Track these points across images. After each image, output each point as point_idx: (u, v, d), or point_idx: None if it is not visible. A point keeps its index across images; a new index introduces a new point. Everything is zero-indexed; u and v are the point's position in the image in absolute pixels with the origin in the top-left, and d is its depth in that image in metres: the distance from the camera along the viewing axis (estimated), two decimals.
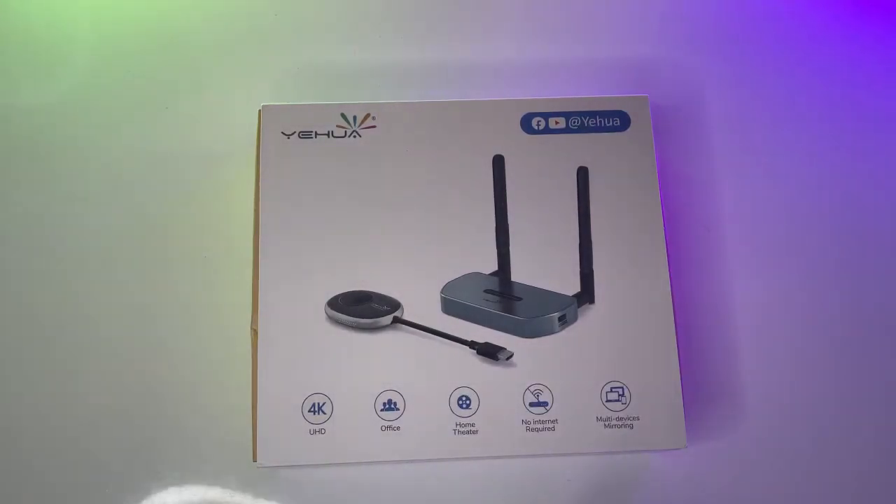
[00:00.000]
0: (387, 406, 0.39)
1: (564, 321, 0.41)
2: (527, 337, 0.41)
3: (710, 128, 0.49)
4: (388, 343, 0.40)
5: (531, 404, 0.40)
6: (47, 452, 0.43)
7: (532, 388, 0.40)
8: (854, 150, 0.49)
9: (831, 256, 0.47)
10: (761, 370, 0.45)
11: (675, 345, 0.40)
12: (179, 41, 0.50)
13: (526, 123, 0.44)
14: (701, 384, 0.45)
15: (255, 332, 0.41)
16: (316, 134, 0.43)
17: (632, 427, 0.39)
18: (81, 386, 0.44)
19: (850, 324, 0.46)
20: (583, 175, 0.43)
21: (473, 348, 0.40)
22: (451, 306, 0.41)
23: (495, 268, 0.42)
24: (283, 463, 0.39)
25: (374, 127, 0.43)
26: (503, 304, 0.41)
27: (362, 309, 0.40)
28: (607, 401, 0.40)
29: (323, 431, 0.39)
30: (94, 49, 0.50)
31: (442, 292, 0.41)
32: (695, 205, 0.48)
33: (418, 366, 0.40)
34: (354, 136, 0.43)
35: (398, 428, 0.39)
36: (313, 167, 0.43)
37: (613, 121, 0.44)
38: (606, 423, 0.40)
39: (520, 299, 0.41)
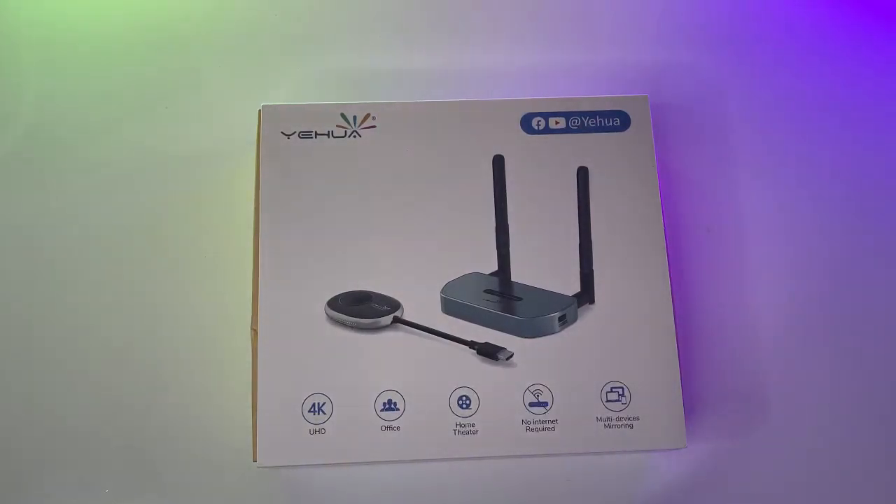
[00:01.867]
0: (387, 406, 0.39)
1: (564, 321, 0.41)
2: (527, 337, 0.41)
3: (711, 127, 0.50)
4: (388, 343, 0.40)
5: (531, 404, 0.40)
6: (46, 452, 0.43)
7: (532, 388, 0.40)
8: (858, 149, 0.49)
9: (832, 256, 0.47)
10: (762, 370, 0.45)
11: (675, 345, 0.40)
12: (179, 40, 0.51)
13: (526, 123, 0.44)
14: (701, 384, 0.45)
15: (255, 332, 0.40)
16: (316, 134, 0.43)
17: (632, 427, 0.39)
18: (81, 386, 0.44)
19: (851, 322, 0.46)
20: (583, 175, 0.43)
21: (473, 348, 0.40)
22: (451, 306, 0.41)
23: (495, 268, 0.42)
24: (283, 463, 0.39)
25: (373, 127, 0.43)
26: (503, 304, 0.41)
27: (362, 309, 0.40)
28: (607, 401, 0.40)
29: (323, 431, 0.39)
30: (94, 47, 0.50)
31: (442, 292, 0.41)
32: (695, 205, 0.48)
33: (418, 366, 0.40)
34: (354, 136, 0.43)
35: (398, 428, 0.39)
36: (313, 167, 0.43)
37: (613, 121, 0.44)
38: (606, 423, 0.39)
39: (520, 299, 0.41)
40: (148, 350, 0.44)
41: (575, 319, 0.41)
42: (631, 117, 0.44)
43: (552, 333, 0.41)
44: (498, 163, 0.43)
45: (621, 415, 0.40)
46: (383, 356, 0.40)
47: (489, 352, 0.40)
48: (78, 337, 0.45)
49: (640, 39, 0.51)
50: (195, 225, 0.47)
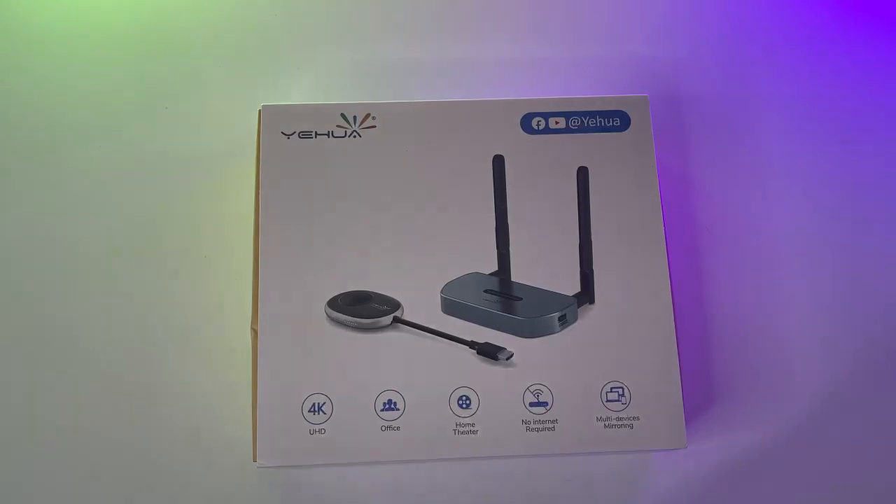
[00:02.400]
0: (387, 406, 0.39)
1: (564, 321, 0.41)
2: (527, 337, 0.41)
3: (711, 127, 0.50)
4: (388, 343, 0.40)
5: (531, 404, 0.40)
6: (45, 453, 0.43)
7: (532, 388, 0.40)
8: (860, 150, 0.49)
9: (835, 255, 0.47)
10: (764, 370, 0.45)
11: (675, 345, 0.40)
12: (179, 40, 0.51)
13: (526, 123, 0.44)
14: (701, 384, 0.45)
15: (254, 332, 0.40)
16: (316, 134, 0.43)
17: (632, 427, 0.39)
18: (80, 386, 0.44)
19: (856, 322, 0.46)
20: (583, 175, 0.43)
21: (473, 348, 0.40)
22: (451, 306, 0.41)
23: (495, 268, 0.42)
24: (283, 463, 0.39)
25: (374, 127, 0.43)
26: (503, 304, 0.41)
27: (362, 309, 0.40)
28: (607, 401, 0.40)
29: (323, 431, 0.39)
30: (94, 47, 0.50)
31: (442, 292, 0.41)
32: (695, 205, 0.48)
33: (418, 366, 0.40)
34: (354, 136, 0.43)
35: (398, 428, 0.39)
36: (313, 167, 0.43)
37: (613, 121, 0.44)
38: (606, 422, 0.39)
39: (520, 299, 0.41)
40: (147, 350, 0.44)
41: (575, 319, 0.41)
42: (631, 117, 0.44)
43: (552, 333, 0.41)
44: (498, 163, 0.43)
45: (621, 415, 0.40)
46: (383, 356, 0.40)
47: (489, 352, 0.40)
48: (76, 336, 0.44)
49: (642, 37, 0.51)
50: (194, 225, 0.47)
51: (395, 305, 0.41)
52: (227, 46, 0.51)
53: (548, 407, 0.40)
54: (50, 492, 0.42)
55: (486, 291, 0.42)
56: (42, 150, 0.48)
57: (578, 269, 0.42)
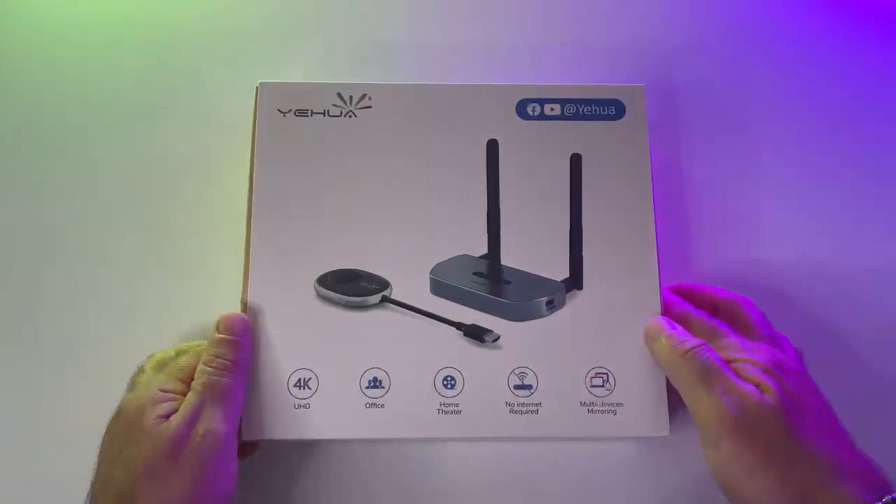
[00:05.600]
0: (372, 383, 0.40)
1: (552, 306, 0.41)
2: (514, 320, 0.41)
3: (705, 118, 0.50)
4: (375, 321, 0.41)
5: (515, 387, 0.40)
6: (46, 447, 0.43)
7: (517, 371, 0.40)
8: (858, 145, 0.49)
9: (821, 244, 0.47)
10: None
11: None
12: (178, 39, 0.51)
13: (521, 109, 0.44)
14: None
15: (244, 305, 0.41)
16: (312, 112, 0.43)
17: (615, 413, 0.40)
18: (81, 377, 0.44)
19: (842, 313, 0.46)
20: (576, 162, 0.43)
21: (460, 329, 0.41)
22: (439, 287, 0.41)
23: (485, 250, 0.42)
24: (267, 436, 0.39)
25: (369, 107, 0.44)
26: (491, 287, 0.41)
27: (351, 287, 0.41)
28: (591, 386, 0.40)
29: (308, 406, 0.39)
30: (95, 45, 0.51)
31: (431, 273, 0.41)
32: (687, 194, 0.48)
33: (405, 345, 0.40)
34: (350, 116, 0.43)
35: (382, 405, 0.39)
36: (308, 145, 0.43)
37: (608, 109, 0.44)
38: (590, 407, 0.40)
39: (508, 283, 0.41)
40: (145, 344, 0.45)
41: (563, 304, 0.41)
42: (626, 106, 0.44)
43: (539, 318, 0.41)
44: (492, 147, 0.43)
45: (605, 400, 0.40)
46: (370, 334, 0.40)
47: (476, 333, 0.40)
48: (77, 327, 0.45)
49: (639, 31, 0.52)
50: (195, 216, 0.47)
51: (383, 284, 0.41)
52: (226, 45, 0.51)
53: (532, 390, 0.40)
54: (48, 487, 0.43)
55: (475, 274, 0.42)
56: (42, 146, 0.48)
57: (568, 255, 0.42)
